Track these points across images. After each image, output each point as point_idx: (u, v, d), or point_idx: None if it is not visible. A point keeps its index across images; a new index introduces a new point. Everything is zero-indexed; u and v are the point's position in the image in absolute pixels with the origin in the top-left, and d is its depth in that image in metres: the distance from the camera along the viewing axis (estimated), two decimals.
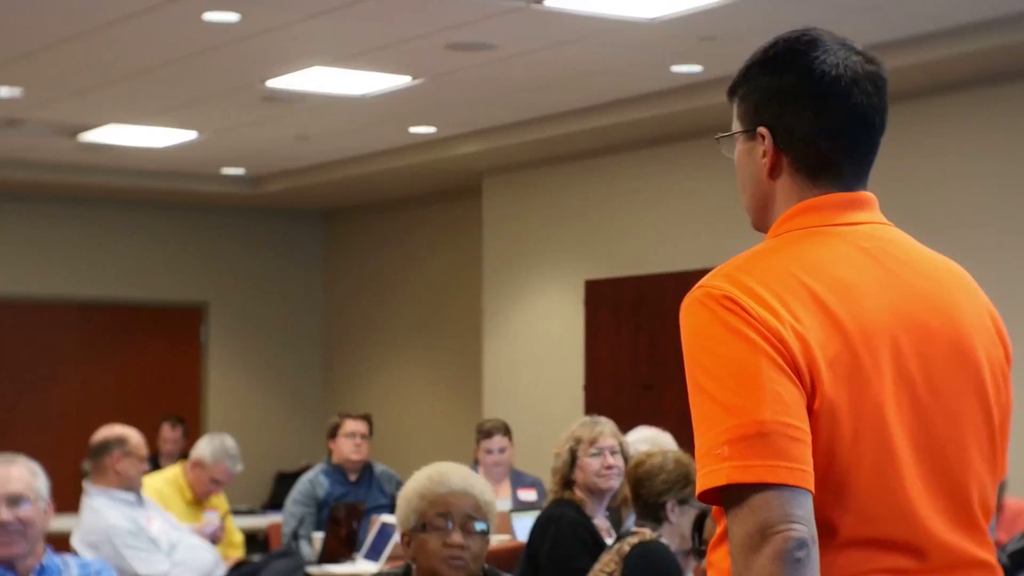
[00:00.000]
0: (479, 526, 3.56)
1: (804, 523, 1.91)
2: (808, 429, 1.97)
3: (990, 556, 2.10)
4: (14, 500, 4.08)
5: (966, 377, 2.11)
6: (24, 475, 4.13)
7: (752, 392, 1.96)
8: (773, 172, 2.19)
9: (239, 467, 7.57)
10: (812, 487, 1.94)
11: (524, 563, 5.51)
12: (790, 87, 2.13)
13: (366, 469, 7.97)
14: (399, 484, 7.72)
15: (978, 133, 8.50)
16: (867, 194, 2.19)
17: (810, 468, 1.95)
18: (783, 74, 2.13)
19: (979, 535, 2.10)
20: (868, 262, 2.11)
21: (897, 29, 7.73)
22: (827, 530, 1.98)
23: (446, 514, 3.54)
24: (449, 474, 3.62)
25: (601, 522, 5.64)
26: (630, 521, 5.21)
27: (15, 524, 4.05)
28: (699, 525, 3.34)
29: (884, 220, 2.20)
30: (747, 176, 2.24)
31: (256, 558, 7.20)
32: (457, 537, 3.53)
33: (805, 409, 1.98)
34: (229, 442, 7.49)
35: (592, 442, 5.63)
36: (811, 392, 2.00)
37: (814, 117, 2.12)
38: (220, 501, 7.74)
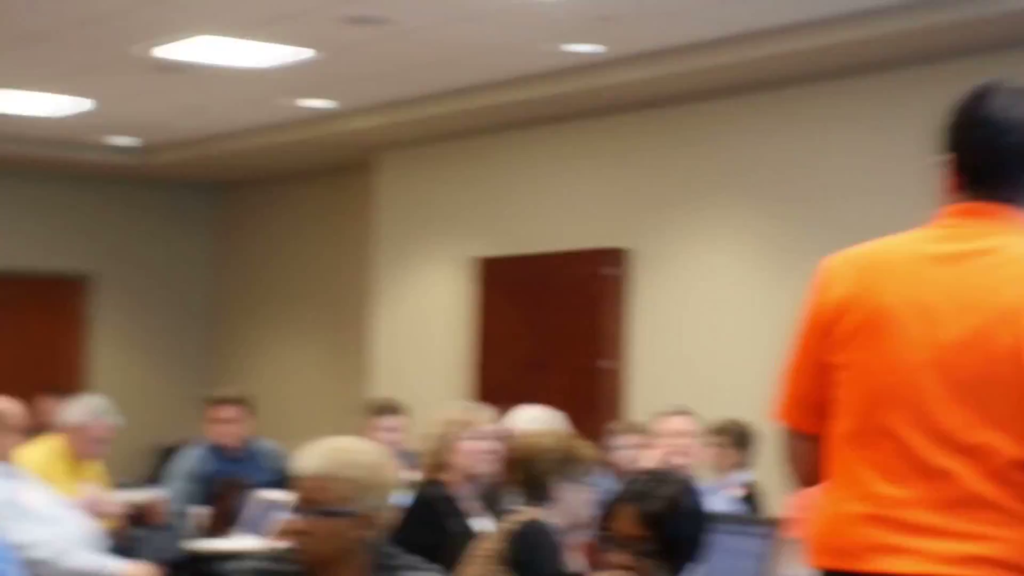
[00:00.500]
0: (329, 510, 3.45)
1: None
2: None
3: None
4: None
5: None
6: None
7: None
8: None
9: (119, 419, 7.40)
10: None
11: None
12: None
13: (247, 445, 7.89)
14: (281, 458, 7.69)
15: (855, 118, 8.61)
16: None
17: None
18: None
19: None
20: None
21: (779, 15, 7.77)
22: None
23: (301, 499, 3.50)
24: (310, 455, 3.54)
25: (472, 504, 5.66)
26: (509, 501, 5.21)
27: None
28: (609, 512, 3.35)
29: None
30: None
31: (136, 532, 7.10)
32: (297, 522, 3.48)
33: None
34: (97, 399, 7.34)
35: (468, 426, 5.67)
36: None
37: None
38: (98, 473, 7.61)
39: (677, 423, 6.36)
